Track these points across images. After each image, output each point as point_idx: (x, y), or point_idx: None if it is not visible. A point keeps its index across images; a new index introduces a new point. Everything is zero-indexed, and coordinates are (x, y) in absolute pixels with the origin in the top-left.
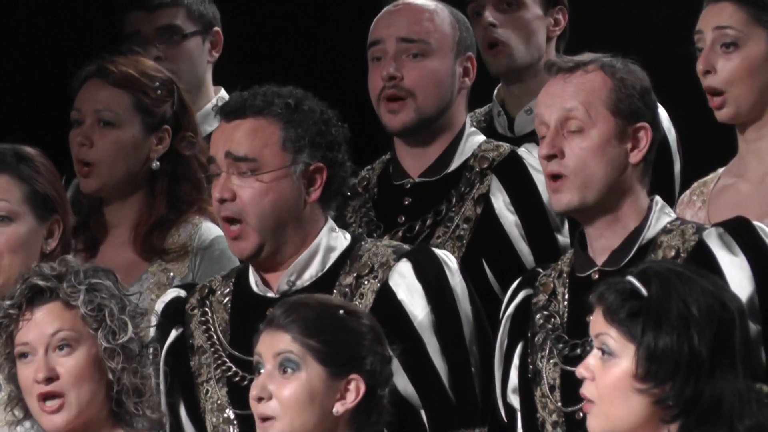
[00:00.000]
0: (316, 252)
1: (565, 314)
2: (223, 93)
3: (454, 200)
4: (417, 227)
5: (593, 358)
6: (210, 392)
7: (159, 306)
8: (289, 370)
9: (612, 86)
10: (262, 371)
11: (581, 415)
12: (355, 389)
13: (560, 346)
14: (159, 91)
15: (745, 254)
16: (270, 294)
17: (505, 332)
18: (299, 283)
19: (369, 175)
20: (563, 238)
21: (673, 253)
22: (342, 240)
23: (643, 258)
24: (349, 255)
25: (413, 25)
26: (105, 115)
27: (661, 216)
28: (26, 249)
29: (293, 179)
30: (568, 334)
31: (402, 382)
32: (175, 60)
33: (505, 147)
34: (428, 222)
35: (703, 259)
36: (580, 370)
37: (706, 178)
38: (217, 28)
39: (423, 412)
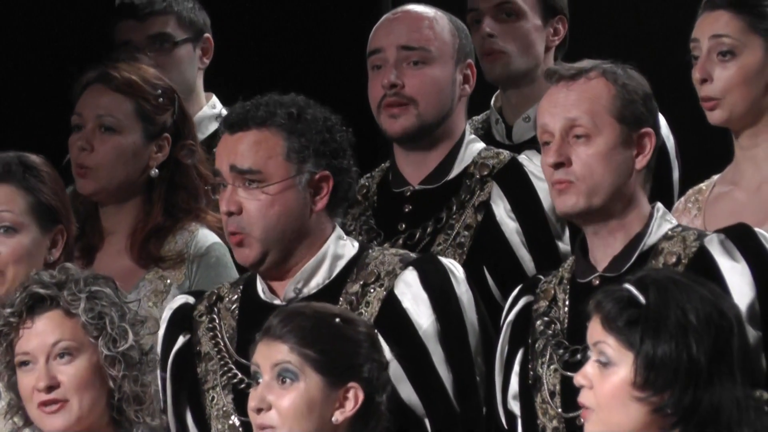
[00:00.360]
0: (323, 260)
1: (566, 320)
2: (215, 100)
3: (454, 207)
4: (417, 235)
5: (591, 367)
6: (216, 399)
7: (167, 312)
8: (288, 381)
9: (615, 93)
10: (260, 381)
11: (582, 421)
12: (353, 397)
13: (560, 351)
14: (161, 99)
15: (747, 261)
16: (277, 301)
17: (505, 339)
18: (306, 291)
19: (368, 183)
20: (564, 245)
21: (674, 259)
22: (350, 248)
23: (644, 264)
24: (356, 263)
25: (413, 33)
26: (106, 120)
27: (663, 222)
28: (30, 259)
29: (299, 189)
30: (568, 340)
31: (406, 391)
32: (167, 67)
33: (505, 154)
34: (429, 229)
35: (704, 265)
36: (578, 379)
37: (700, 186)
38: (207, 35)
39: (427, 421)
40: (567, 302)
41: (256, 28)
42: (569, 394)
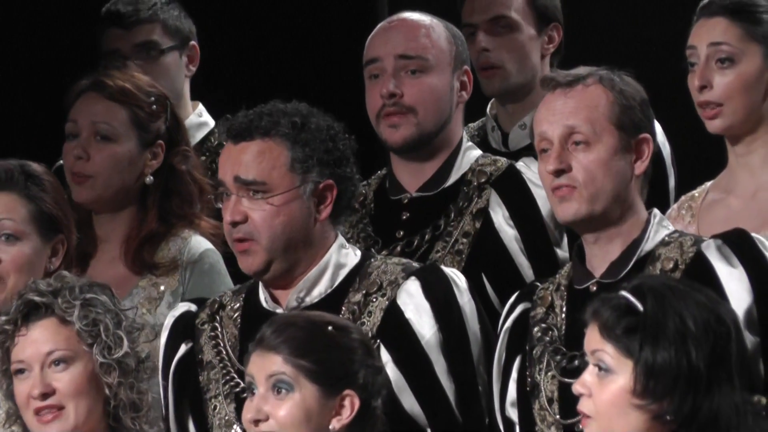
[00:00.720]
0: (326, 269)
1: (563, 327)
2: (201, 108)
3: (452, 215)
4: (415, 242)
5: (589, 375)
6: (218, 408)
7: (169, 320)
8: (283, 391)
9: (613, 99)
10: (255, 392)
11: (580, 428)
12: (349, 405)
13: (558, 358)
14: (154, 106)
15: (744, 266)
16: (279, 310)
17: (503, 346)
18: (308, 300)
19: (365, 191)
20: (562, 252)
21: (671, 265)
22: (352, 257)
23: (642, 270)
24: (358, 272)
25: (410, 42)
26: (102, 128)
27: (660, 228)
28: (31, 268)
29: (303, 199)
30: (565, 346)
31: (409, 401)
32: (154, 75)
33: (503, 161)
34: (427, 237)
35: (701, 271)
36: (577, 387)
37: (693, 192)
38: (193, 43)
39: (429, 431)
40: (564, 309)
41: (248, 34)
42: (567, 400)
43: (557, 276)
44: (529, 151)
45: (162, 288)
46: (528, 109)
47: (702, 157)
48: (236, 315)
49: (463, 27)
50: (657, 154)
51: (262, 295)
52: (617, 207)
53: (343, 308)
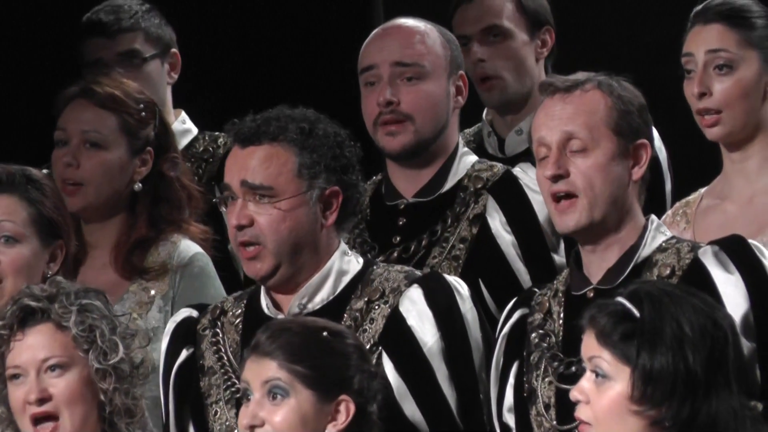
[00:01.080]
0: (328, 275)
1: (560, 333)
2: (184, 115)
3: (449, 220)
4: (412, 248)
5: (587, 381)
6: (219, 413)
7: (170, 326)
8: (279, 397)
9: (611, 105)
10: (250, 398)
11: None
12: (345, 410)
13: (555, 364)
14: (143, 113)
15: (740, 272)
16: (281, 316)
17: (500, 352)
18: (310, 306)
19: None
20: (559, 257)
21: (668, 271)
22: (354, 264)
23: (639, 276)
24: (360, 279)
25: (406, 49)
26: (92, 136)
27: (657, 235)
28: (29, 271)
29: (310, 205)
30: (563, 352)
31: (410, 408)
32: (137, 83)
33: (499, 167)
34: (423, 242)
35: (698, 277)
36: (574, 394)
37: (688, 198)
38: (174, 50)
39: None
40: (562, 315)
41: (237, 39)
42: (564, 406)
43: (555, 282)
44: (525, 156)
45: (152, 292)
46: (524, 114)
47: (698, 163)
48: (238, 321)
49: (456, 39)
50: (654, 159)
51: (264, 301)
52: (615, 213)
53: (345, 315)
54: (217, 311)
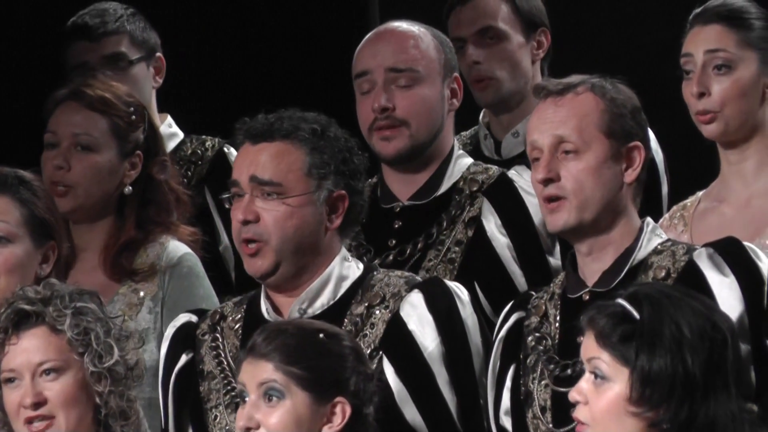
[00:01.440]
0: (328, 280)
1: (557, 335)
2: (170, 119)
3: (444, 223)
4: (408, 251)
5: (586, 382)
6: (219, 418)
7: (169, 331)
8: (274, 399)
9: (603, 107)
10: (246, 400)
11: None
12: (341, 412)
13: (551, 367)
14: (133, 116)
15: (735, 275)
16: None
17: (497, 355)
18: (310, 311)
19: None
20: (555, 260)
21: (663, 273)
22: (354, 269)
23: (634, 279)
24: (361, 284)
25: (400, 54)
26: (83, 139)
27: (653, 237)
28: (22, 272)
29: (317, 206)
30: (559, 355)
31: (410, 412)
32: None
33: (495, 169)
34: (419, 245)
35: (692, 279)
36: (573, 395)
37: (685, 202)
38: (159, 54)
39: None
40: (558, 318)
41: (230, 43)
42: (560, 409)
43: (552, 285)
44: (522, 159)
45: (142, 294)
46: (521, 116)
47: (695, 165)
48: (237, 326)
49: (452, 41)
50: (650, 161)
51: (264, 305)
52: (608, 215)
53: (346, 320)
54: (217, 316)
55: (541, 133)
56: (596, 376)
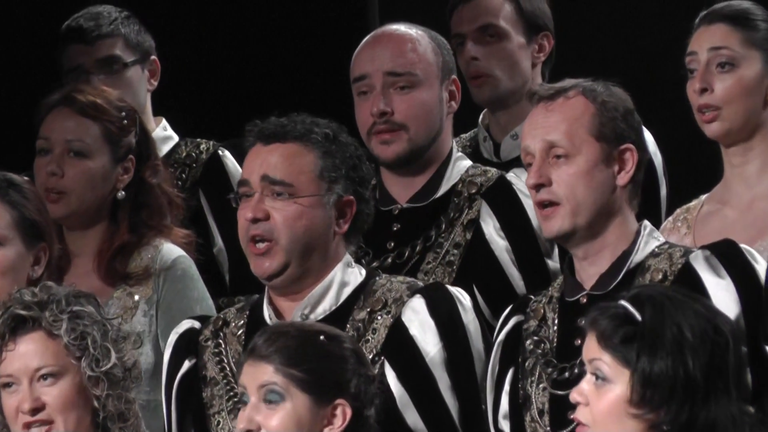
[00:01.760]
0: (330, 286)
1: (555, 339)
2: (165, 123)
3: (443, 226)
4: (406, 253)
5: (587, 383)
6: (221, 423)
7: (172, 337)
8: (275, 401)
9: (594, 111)
10: (247, 402)
11: None
12: (341, 414)
13: (549, 370)
14: (125, 121)
15: (732, 277)
16: None
17: (496, 358)
18: (313, 317)
19: None
20: (553, 263)
21: (660, 276)
22: (356, 275)
23: (631, 282)
24: (363, 290)
25: (398, 58)
26: (75, 145)
27: (650, 240)
28: (14, 273)
29: (326, 208)
30: (557, 358)
31: (412, 417)
32: (117, 89)
33: (493, 172)
34: (418, 248)
35: (689, 281)
36: (574, 395)
37: (689, 205)
38: (154, 57)
39: None
40: (556, 321)
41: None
42: (558, 412)
43: (550, 288)
44: (520, 161)
45: (136, 297)
46: (520, 119)
47: (694, 167)
48: (240, 332)
49: (453, 37)
50: (649, 163)
51: (267, 311)
52: (602, 219)
53: (348, 325)
54: (220, 322)
55: (533, 138)
56: (597, 377)
